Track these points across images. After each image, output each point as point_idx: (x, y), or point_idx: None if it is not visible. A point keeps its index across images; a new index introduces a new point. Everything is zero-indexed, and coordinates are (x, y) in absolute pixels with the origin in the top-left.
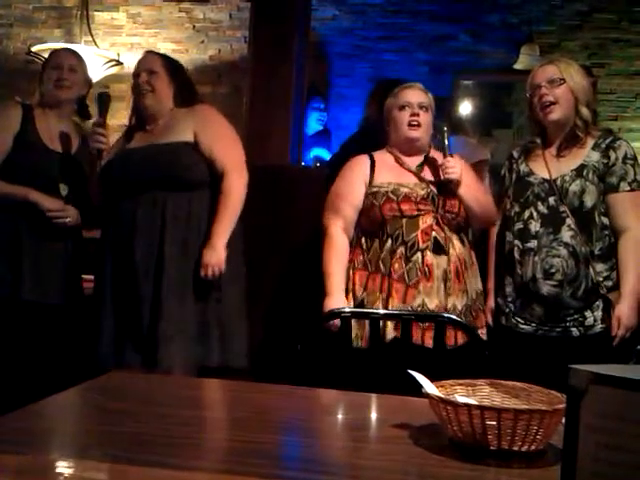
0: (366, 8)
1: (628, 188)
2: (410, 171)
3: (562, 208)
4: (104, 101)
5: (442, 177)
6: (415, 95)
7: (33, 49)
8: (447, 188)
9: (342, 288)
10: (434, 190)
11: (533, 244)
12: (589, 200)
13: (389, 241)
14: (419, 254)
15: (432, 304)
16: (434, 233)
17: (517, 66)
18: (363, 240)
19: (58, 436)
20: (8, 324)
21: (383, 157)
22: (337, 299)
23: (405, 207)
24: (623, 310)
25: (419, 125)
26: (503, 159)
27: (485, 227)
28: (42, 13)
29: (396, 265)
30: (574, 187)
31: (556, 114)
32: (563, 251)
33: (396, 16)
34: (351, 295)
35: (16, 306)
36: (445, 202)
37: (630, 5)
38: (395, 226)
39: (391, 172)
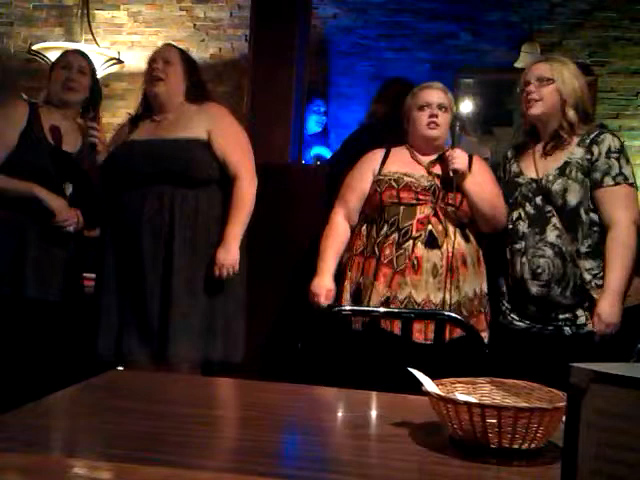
0: (367, 6)
1: (612, 182)
2: (421, 164)
3: (547, 208)
4: (95, 97)
5: (448, 169)
6: (435, 95)
7: (34, 48)
8: (451, 180)
9: (331, 270)
10: (437, 183)
11: (521, 245)
12: (573, 198)
13: (385, 227)
14: (410, 242)
15: (419, 297)
16: (430, 226)
17: (518, 64)
18: (364, 227)
19: (61, 434)
20: (12, 321)
21: (399, 151)
22: (324, 280)
23: (403, 195)
24: (603, 307)
25: (438, 125)
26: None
27: (493, 230)
28: (42, 12)
29: (387, 250)
30: (557, 186)
31: (537, 109)
32: (549, 251)
33: (397, 14)
34: (348, 280)
35: (20, 303)
36: (446, 194)
37: (631, 3)
38: (392, 213)
39: (402, 164)
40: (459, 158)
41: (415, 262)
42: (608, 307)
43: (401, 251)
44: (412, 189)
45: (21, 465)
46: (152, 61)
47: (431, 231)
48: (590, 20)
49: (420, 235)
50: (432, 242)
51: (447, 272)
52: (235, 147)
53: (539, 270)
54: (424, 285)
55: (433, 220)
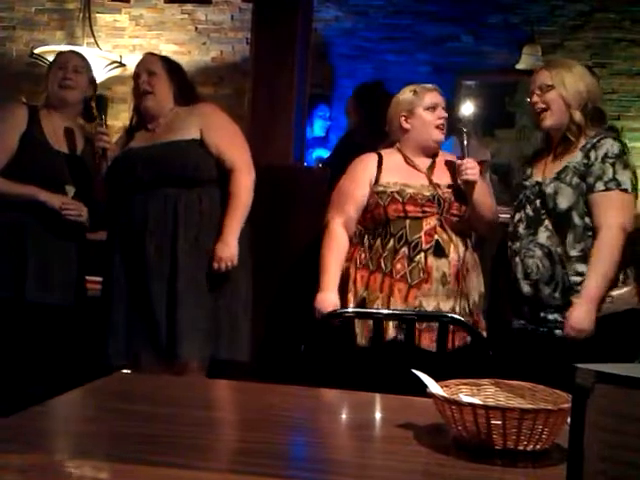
0: (368, 9)
1: (603, 188)
2: (421, 172)
3: (543, 210)
4: (101, 103)
5: (460, 178)
6: (439, 97)
7: (36, 51)
8: (461, 190)
9: (335, 284)
10: (439, 192)
11: (516, 245)
12: (563, 202)
13: (392, 241)
14: (422, 255)
15: (430, 306)
16: (436, 235)
17: (519, 66)
18: (365, 238)
19: (65, 436)
20: (13, 325)
21: (391, 156)
22: (329, 295)
23: (410, 208)
24: (574, 313)
25: (445, 128)
26: (504, 159)
27: (488, 232)
28: (44, 15)
29: (398, 265)
30: (549, 189)
31: (548, 121)
32: (538, 252)
33: (398, 17)
34: (352, 293)
35: (21, 307)
36: (451, 204)
37: (632, 5)
38: (399, 226)
39: (399, 172)
40: (473, 169)
41: (427, 273)
42: (579, 313)
43: (413, 264)
44: (417, 202)
45: (25, 466)
46: (137, 76)
47: (437, 240)
48: (591, 22)
49: (430, 247)
50: (439, 251)
51: (455, 280)
52: (229, 142)
53: (529, 270)
54: (434, 294)
55: (439, 230)
